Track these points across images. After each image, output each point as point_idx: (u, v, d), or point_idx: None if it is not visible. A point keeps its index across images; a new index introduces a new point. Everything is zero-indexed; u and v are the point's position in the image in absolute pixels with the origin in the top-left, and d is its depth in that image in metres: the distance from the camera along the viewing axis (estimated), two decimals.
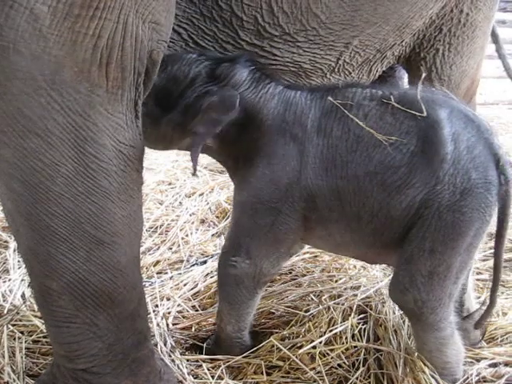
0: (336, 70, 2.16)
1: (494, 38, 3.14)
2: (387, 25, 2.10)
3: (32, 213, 1.41)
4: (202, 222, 3.35)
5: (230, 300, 1.98)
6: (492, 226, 1.76)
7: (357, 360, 1.98)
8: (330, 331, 2.08)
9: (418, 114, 1.69)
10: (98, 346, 1.58)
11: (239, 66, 1.81)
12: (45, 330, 2.10)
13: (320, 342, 2.02)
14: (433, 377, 1.83)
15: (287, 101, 1.82)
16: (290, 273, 2.63)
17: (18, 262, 2.68)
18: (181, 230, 3.17)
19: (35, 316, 2.21)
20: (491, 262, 1.88)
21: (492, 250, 1.90)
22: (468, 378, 1.91)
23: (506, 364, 2.01)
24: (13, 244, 2.79)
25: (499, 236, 1.77)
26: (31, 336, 2.14)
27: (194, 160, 1.75)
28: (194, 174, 1.88)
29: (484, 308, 1.92)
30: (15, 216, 1.45)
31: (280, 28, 1.92)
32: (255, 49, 1.96)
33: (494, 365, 2.00)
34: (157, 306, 2.36)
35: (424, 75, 2.16)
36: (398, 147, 1.68)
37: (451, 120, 1.69)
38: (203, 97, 1.76)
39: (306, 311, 2.24)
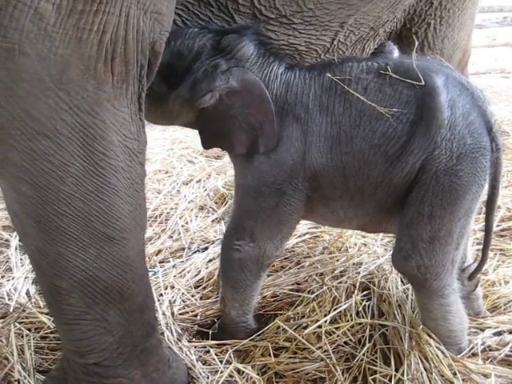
0: (330, 50, 2.14)
1: None
2: (382, 2, 2.09)
3: (41, 214, 1.40)
4: (201, 208, 3.36)
5: (234, 284, 1.99)
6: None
7: (363, 336, 2.00)
8: (335, 310, 2.10)
9: (416, 83, 1.69)
10: (109, 341, 1.59)
11: (246, 39, 1.79)
12: (52, 326, 2.13)
13: (325, 321, 2.04)
14: (438, 348, 1.86)
15: (288, 82, 1.81)
16: (292, 255, 2.65)
17: (21, 260, 2.70)
18: (180, 218, 3.18)
19: (41, 312, 2.22)
20: None
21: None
22: (473, 347, 1.94)
23: (510, 332, 2.04)
24: (14, 242, 2.80)
25: (491, 201, 1.81)
26: (39, 332, 2.15)
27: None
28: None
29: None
30: (23, 218, 1.44)
31: (276, 10, 1.89)
32: None
33: (499, 333, 2.03)
34: (161, 295, 2.37)
35: (417, 43, 2.14)
36: (398, 117, 1.69)
37: (447, 87, 1.70)
38: (212, 71, 1.74)
39: (310, 292, 2.26)
